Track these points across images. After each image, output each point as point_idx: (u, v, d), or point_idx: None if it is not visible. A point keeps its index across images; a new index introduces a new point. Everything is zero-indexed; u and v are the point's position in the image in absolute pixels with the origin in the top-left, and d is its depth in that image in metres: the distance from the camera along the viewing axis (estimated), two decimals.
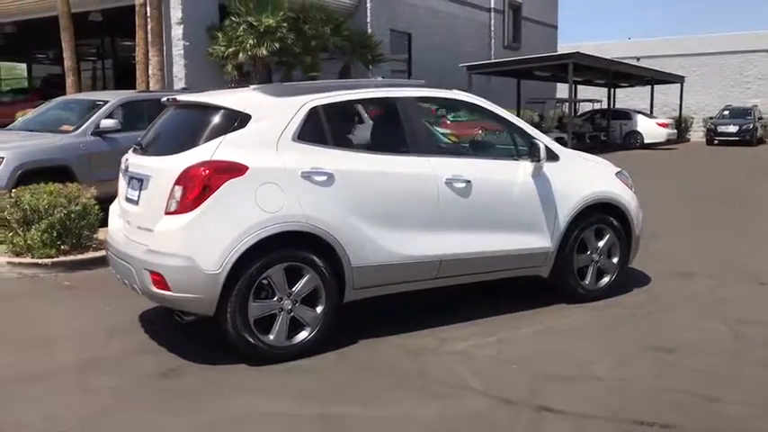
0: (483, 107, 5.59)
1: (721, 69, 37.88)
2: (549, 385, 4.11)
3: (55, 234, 7.16)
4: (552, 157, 5.56)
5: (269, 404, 3.88)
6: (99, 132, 9.13)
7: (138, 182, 4.67)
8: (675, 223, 9.78)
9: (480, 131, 6.62)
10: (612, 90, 31.61)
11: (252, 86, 4.98)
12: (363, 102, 5.02)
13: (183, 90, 13.11)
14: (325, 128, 4.73)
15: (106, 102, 9.62)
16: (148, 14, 16.26)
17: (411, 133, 5.03)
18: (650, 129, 26.31)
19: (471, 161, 5.34)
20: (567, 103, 25.70)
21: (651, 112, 30.22)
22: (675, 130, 28.45)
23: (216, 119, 4.56)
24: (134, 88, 15.67)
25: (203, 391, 4.07)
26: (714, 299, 5.88)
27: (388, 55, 23.30)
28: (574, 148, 21.47)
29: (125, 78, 18.85)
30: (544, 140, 5.57)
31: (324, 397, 3.96)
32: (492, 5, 30.87)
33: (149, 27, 16.10)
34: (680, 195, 13.22)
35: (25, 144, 8.81)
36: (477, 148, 5.99)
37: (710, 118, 30.19)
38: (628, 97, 35.44)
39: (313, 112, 4.67)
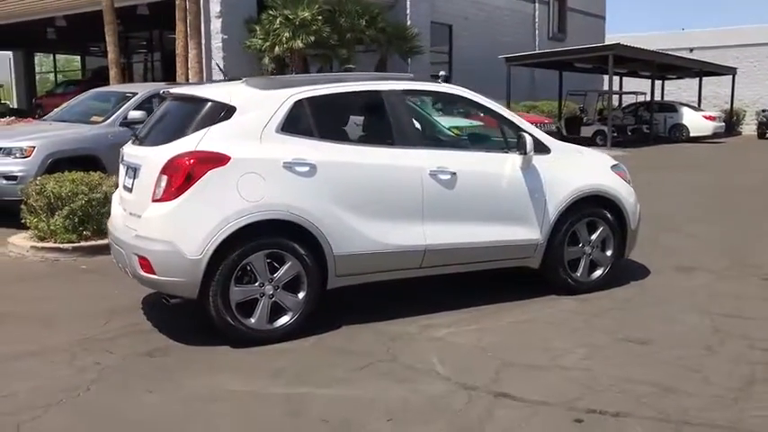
0: (472, 100, 5.69)
1: None
2: (514, 373, 4.21)
3: (77, 220, 7.51)
4: (543, 149, 5.62)
5: (240, 383, 4.07)
6: (127, 123, 9.46)
7: (133, 171, 4.92)
8: (697, 217, 9.68)
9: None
10: (662, 82, 31.04)
11: (242, 80, 5.17)
12: (349, 95, 5.15)
13: (224, 79, 13.44)
14: (309, 120, 4.90)
15: (135, 94, 10.00)
16: (188, 8, 16.70)
17: (397, 126, 5.15)
18: (696, 121, 25.73)
19: (458, 153, 5.44)
20: (609, 96, 25.34)
21: (699, 104, 29.53)
22: (723, 124, 27.71)
23: (203, 111, 4.77)
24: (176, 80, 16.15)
25: (182, 369, 4.30)
26: (708, 294, 5.85)
27: (426, 47, 23.36)
28: (615, 140, 21.51)
29: (173, 70, 19.36)
30: (535, 133, 5.63)
31: (293, 378, 4.15)
32: None
33: (188, 20, 16.55)
34: (712, 189, 12.99)
35: (56, 134, 9.24)
36: (470, 141, 6.06)
37: (763, 111, 29.28)
38: (680, 89, 34.67)
39: (298, 105, 4.84)
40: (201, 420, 3.62)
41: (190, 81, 16.07)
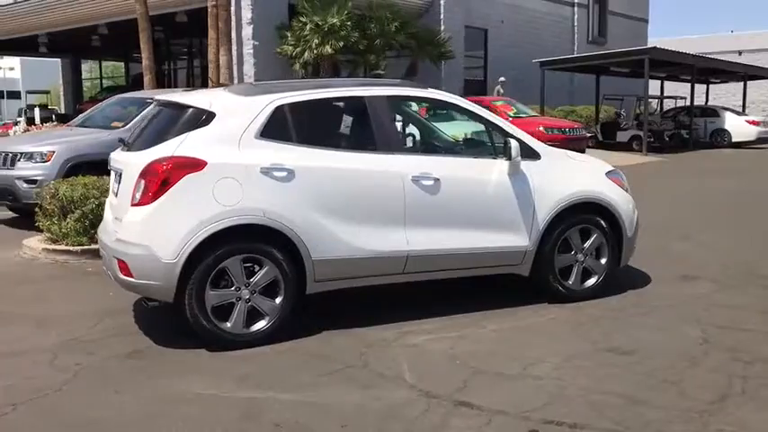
0: (458, 105, 5.66)
1: None
2: (481, 381, 4.17)
3: (87, 223, 7.68)
4: (532, 155, 5.56)
5: (207, 386, 4.12)
6: None
7: (118, 176, 5.02)
8: (716, 224, 9.42)
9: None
10: (706, 86, 30.30)
11: (225, 87, 5.22)
12: (331, 101, 5.17)
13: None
14: (290, 126, 4.93)
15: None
16: (218, 15, 16.96)
17: (379, 131, 5.15)
18: (739, 127, 25.02)
19: (442, 159, 5.41)
20: (648, 100, 24.87)
21: (743, 108, 28.75)
22: None
23: (184, 117, 4.85)
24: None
25: (155, 371, 4.37)
26: (706, 304, 5.69)
27: (459, 52, 23.28)
28: (651, 146, 21.07)
29: None
30: (525, 139, 5.57)
31: (260, 382, 4.17)
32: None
33: (219, 27, 16.79)
34: (742, 196, 12.62)
35: (75, 139, 9.49)
36: (459, 147, 6.01)
37: None
38: (729, 93, 33.80)
39: (278, 111, 4.88)
40: (159, 421, 3.67)
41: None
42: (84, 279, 6.83)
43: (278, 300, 4.78)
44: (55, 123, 20.48)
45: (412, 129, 6.38)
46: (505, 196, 5.39)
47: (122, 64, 38.11)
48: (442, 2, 23.45)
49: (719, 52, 32.32)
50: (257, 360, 4.52)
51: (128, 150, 5.12)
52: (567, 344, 4.80)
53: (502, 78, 22.09)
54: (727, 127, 25.05)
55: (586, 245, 5.72)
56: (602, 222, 5.75)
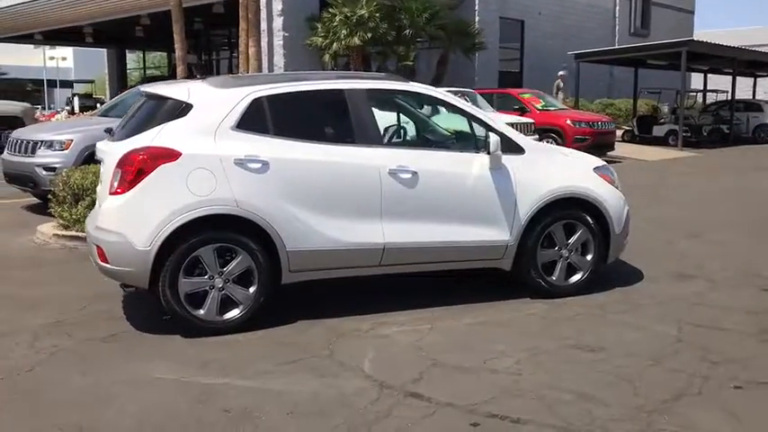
0: (441, 99, 5.67)
1: None
2: (437, 373, 4.20)
3: None
4: (516, 149, 5.54)
5: (169, 371, 4.24)
6: None
7: (102, 165, 5.17)
8: (734, 224, 9.19)
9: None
10: (754, 80, 29.46)
11: (206, 79, 5.33)
12: (310, 93, 5.21)
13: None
14: (267, 118, 5.00)
15: None
16: (248, 6, 17.16)
17: (358, 124, 5.19)
18: None
19: (422, 153, 5.41)
20: (689, 93, 24.33)
21: None
22: None
23: (163, 108, 4.98)
24: None
25: (124, 354, 4.52)
26: (693, 303, 5.60)
27: (492, 43, 23.10)
28: (688, 140, 20.61)
29: None
30: (508, 133, 5.56)
31: (222, 368, 4.27)
32: None
33: (248, 18, 16.99)
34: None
35: (93, 128, 9.76)
36: (442, 141, 6.00)
37: None
38: None
39: (255, 103, 4.96)
40: (113, 403, 3.80)
41: None
42: (86, 264, 6.93)
43: (251, 289, 4.88)
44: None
45: (402, 122, 6.37)
46: (486, 190, 5.39)
47: (166, 54, 38.80)
48: None
49: None
50: (226, 347, 4.63)
51: (112, 140, 5.26)
52: (535, 339, 4.78)
53: (562, 72, 21.76)
54: None
55: (571, 241, 5.68)
56: (588, 218, 5.70)
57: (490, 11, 24.04)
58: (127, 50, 39.33)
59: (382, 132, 5.87)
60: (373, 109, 5.26)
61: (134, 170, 4.66)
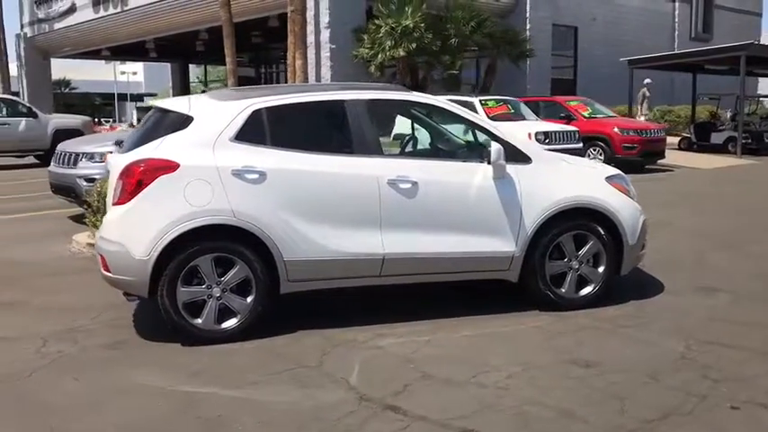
0: (444, 108, 5.61)
1: None
2: (422, 387, 4.14)
3: None
4: (522, 159, 5.45)
5: (157, 378, 4.31)
6: None
7: (110, 176, 5.32)
8: None
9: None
10: None
11: (207, 93, 5.43)
12: (310, 104, 5.24)
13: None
14: (266, 129, 5.06)
15: None
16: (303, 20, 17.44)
17: (357, 135, 5.19)
18: None
19: (423, 163, 5.38)
20: (751, 99, 23.46)
21: None
22: None
23: (167, 121, 5.09)
24: None
25: (120, 362, 4.62)
26: (708, 318, 5.38)
27: (546, 50, 22.83)
28: (749, 148, 19.81)
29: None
30: (514, 142, 5.47)
31: (208, 378, 4.32)
32: None
33: (295, 31, 17.24)
34: None
35: None
36: (445, 151, 5.93)
37: None
38: None
39: (255, 115, 5.02)
40: (97, 409, 3.89)
41: None
42: None
43: (249, 298, 4.93)
44: None
45: (408, 132, 6.34)
46: (490, 200, 5.30)
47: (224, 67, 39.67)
48: (528, 0, 23.07)
49: None
50: (220, 356, 4.68)
51: (120, 152, 5.41)
52: (532, 353, 4.67)
53: (647, 80, 21.27)
54: None
55: (581, 252, 5.54)
56: (600, 229, 5.54)
57: (542, 18, 23.76)
58: (190, 64, 40.47)
59: (401, 143, 5.89)
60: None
61: (134, 181, 4.78)
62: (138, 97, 63.80)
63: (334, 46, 18.63)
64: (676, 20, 29.12)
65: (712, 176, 15.57)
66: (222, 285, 4.87)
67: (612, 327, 5.20)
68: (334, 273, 5.12)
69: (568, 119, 16.02)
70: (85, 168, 9.75)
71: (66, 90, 47.61)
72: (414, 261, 5.23)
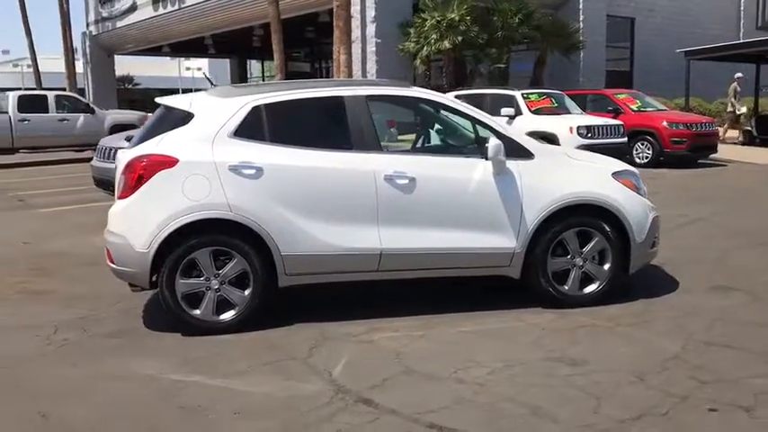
0: (445, 104, 5.59)
1: None
2: (401, 381, 4.18)
3: None
4: (524, 154, 5.40)
5: (150, 366, 4.46)
6: None
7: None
8: None
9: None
10: None
11: (209, 90, 5.55)
12: (310, 101, 5.30)
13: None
14: (264, 125, 5.16)
15: None
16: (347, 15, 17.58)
17: (356, 130, 5.23)
18: None
19: (421, 158, 5.39)
20: None
21: None
22: None
23: (169, 117, 5.25)
24: None
25: (120, 349, 4.81)
26: (716, 318, 5.22)
27: (600, 42, 22.36)
28: None
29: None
30: (516, 138, 5.44)
31: (199, 367, 4.45)
32: None
33: (340, 26, 17.39)
34: None
35: None
36: (448, 147, 5.90)
37: None
38: None
39: (254, 111, 5.13)
40: (86, 395, 4.07)
41: None
42: None
43: (247, 291, 5.04)
44: None
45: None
46: (489, 196, 5.28)
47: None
48: None
49: None
50: (214, 346, 4.81)
51: (128, 148, 5.60)
52: (521, 350, 4.64)
53: (738, 74, 20.71)
54: None
55: (586, 249, 5.46)
56: (605, 226, 5.45)
57: (596, 9, 23.29)
58: (248, 60, 41.21)
59: (415, 138, 5.92)
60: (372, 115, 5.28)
61: (135, 176, 4.95)
62: None
63: (379, 40, 18.70)
64: (742, 9, 28.08)
65: (766, 172, 15.00)
66: (220, 278, 5.00)
67: (612, 325, 5.11)
68: (331, 267, 5.18)
69: (616, 112, 15.67)
70: None
71: (130, 86, 49.07)
72: (412, 256, 5.25)
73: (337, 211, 5.11)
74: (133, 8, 31.27)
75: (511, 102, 14.42)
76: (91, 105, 20.46)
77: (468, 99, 15.49)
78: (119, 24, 32.80)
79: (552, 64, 21.68)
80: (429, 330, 5.06)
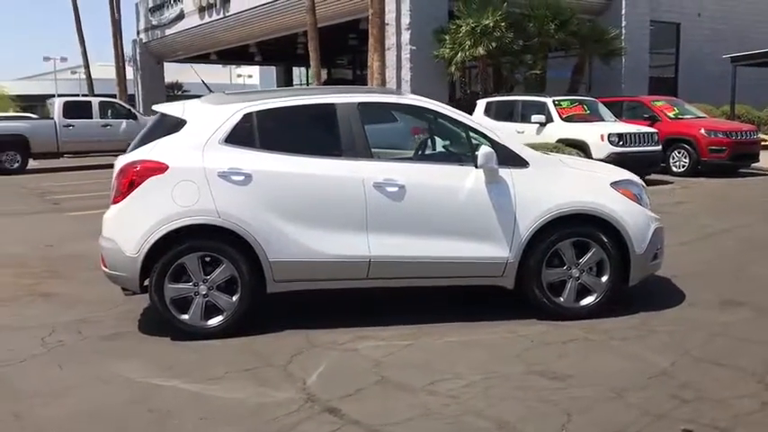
0: (438, 111, 5.51)
1: None
2: (374, 391, 4.14)
3: None
4: (518, 163, 5.31)
5: (133, 369, 4.52)
6: None
7: None
8: None
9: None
10: None
11: (202, 97, 5.60)
12: (301, 108, 5.30)
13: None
14: (255, 132, 5.19)
15: None
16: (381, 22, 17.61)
17: (346, 138, 5.22)
18: None
19: (411, 166, 5.35)
20: None
21: None
22: None
23: (163, 124, 5.33)
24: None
25: (108, 352, 4.88)
26: (716, 333, 5.04)
27: (643, 48, 21.93)
28: None
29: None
30: (510, 146, 5.35)
31: (179, 372, 4.49)
32: None
33: (374, 33, 17.42)
34: None
35: None
36: (442, 155, 5.82)
37: None
38: None
39: (246, 118, 5.16)
40: (63, 396, 4.13)
41: None
42: None
43: (235, 297, 5.07)
44: None
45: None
46: (481, 205, 5.20)
47: (325, 70, 40.49)
48: None
49: None
50: (198, 351, 4.85)
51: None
52: (504, 363, 4.55)
53: None
54: None
55: (582, 260, 5.34)
56: (602, 237, 5.32)
57: (639, 14, 22.82)
58: (293, 67, 41.60)
59: (416, 146, 5.90)
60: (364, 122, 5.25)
61: (127, 182, 5.03)
62: None
63: (414, 47, 18.67)
64: None
65: None
66: (209, 283, 5.04)
67: (605, 339, 4.98)
68: (320, 274, 5.18)
69: (652, 120, 15.32)
70: None
71: (179, 92, 50.09)
72: (401, 265, 5.21)
73: (325, 217, 5.11)
74: (181, 16, 31.92)
75: (542, 109, 14.23)
76: (133, 111, 20.95)
77: (500, 106, 15.41)
78: (167, 32, 33.51)
79: (593, 71, 21.34)
80: (416, 340, 5.01)
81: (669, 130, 14.90)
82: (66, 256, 8.19)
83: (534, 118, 14.01)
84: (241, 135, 5.14)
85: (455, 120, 5.47)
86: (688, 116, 15.92)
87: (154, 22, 34.52)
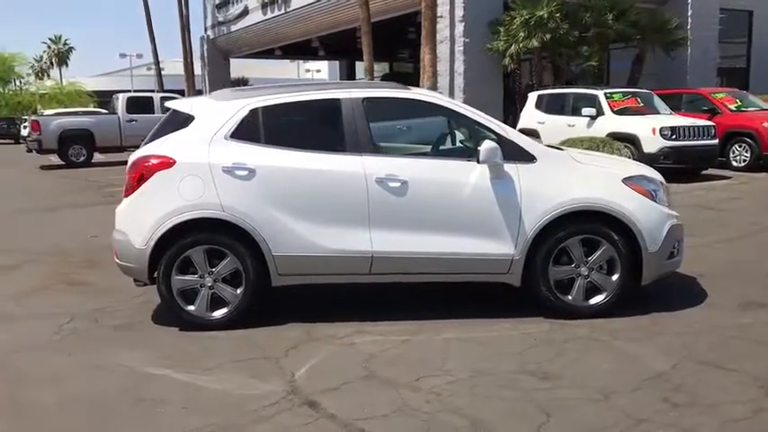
0: (445, 107, 5.45)
1: None
2: (358, 386, 4.15)
3: None
4: (525, 158, 5.22)
5: (134, 358, 4.67)
6: None
7: None
8: None
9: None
10: None
11: (210, 93, 5.70)
12: (305, 103, 5.33)
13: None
14: (261, 127, 5.26)
15: None
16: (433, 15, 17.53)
17: (350, 133, 5.22)
18: None
19: (415, 161, 5.29)
20: None
21: None
22: None
23: (173, 120, 5.45)
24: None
25: (116, 341, 5.05)
26: (729, 336, 4.84)
27: (711, 37, 21.10)
28: None
29: None
30: (518, 141, 5.26)
31: (176, 361, 4.60)
32: None
33: (426, 26, 17.35)
34: None
35: None
36: (447, 150, 5.73)
37: None
38: None
39: (252, 114, 5.24)
40: (61, 383, 4.31)
41: (423, 86, 16.89)
42: None
43: (239, 290, 5.17)
44: None
45: (418, 131, 6.21)
46: (485, 201, 5.13)
47: (387, 64, 40.54)
48: None
49: None
50: (199, 341, 4.96)
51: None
52: (498, 360, 4.49)
53: None
54: None
55: (592, 258, 5.20)
56: (613, 234, 5.17)
57: (708, 2, 21.90)
58: (355, 61, 41.82)
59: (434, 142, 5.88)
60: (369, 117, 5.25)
61: (137, 176, 5.18)
62: None
63: (467, 40, 18.47)
64: None
65: None
66: (214, 276, 5.15)
67: (608, 339, 4.85)
68: (323, 269, 5.22)
69: (712, 112, 14.73)
70: None
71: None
72: (404, 260, 5.19)
73: (329, 213, 5.14)
74: (245, 12, 32.51)
75: (593, 102, 13.87)
76: None
77: (551, 99, 15.13)
78: (233, 28, 34.20)
79: (657, 62, 20.64)
80: (414, 336, 4.99)
81: (729, 123, 14.30)
82: (106, 247, 8.41)
83: (585, 111, 13.67)
84: (247, 130, 5.22)
85: (461, 114, 5.41)
86: (752, 108, 15.23)
87: (220, 19, 35.28)
